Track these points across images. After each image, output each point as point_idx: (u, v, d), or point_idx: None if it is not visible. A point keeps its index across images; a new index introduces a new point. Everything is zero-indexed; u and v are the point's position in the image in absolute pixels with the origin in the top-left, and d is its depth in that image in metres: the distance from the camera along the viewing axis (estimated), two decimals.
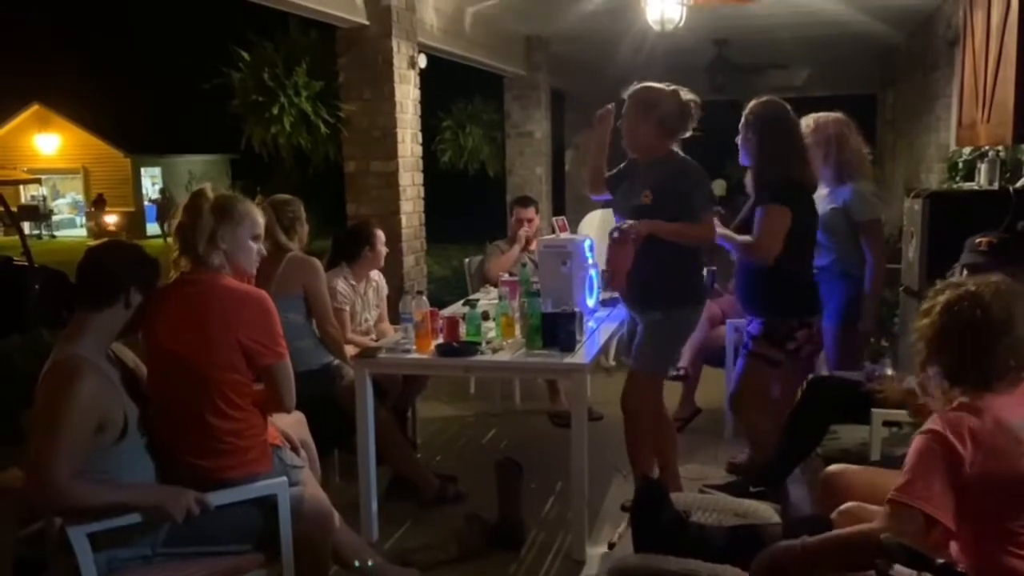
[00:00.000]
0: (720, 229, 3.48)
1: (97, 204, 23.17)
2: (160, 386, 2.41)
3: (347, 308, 4.06)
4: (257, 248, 2.55)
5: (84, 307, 2.27)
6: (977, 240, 3.11)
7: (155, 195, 25.02)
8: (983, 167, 4.28)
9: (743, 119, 3.49)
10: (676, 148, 3.39)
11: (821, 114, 3.92)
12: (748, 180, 3.53)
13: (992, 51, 3.65)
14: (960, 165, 4.97)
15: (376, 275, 4.39)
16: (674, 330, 3.43)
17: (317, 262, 3.73)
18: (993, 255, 3.03)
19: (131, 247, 2.45)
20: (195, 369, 2.35)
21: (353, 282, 4.17)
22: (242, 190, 2.79)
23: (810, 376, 3.82)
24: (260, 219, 2.56)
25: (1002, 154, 4.26)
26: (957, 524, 1.83)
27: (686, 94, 3.36)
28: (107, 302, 2.27)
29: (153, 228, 23.57)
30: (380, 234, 4.23)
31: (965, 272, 3.06)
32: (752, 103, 3.50)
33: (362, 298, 4.23)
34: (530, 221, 5.28)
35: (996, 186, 4.12)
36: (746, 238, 3.43)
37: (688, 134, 3.38)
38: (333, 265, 4.15)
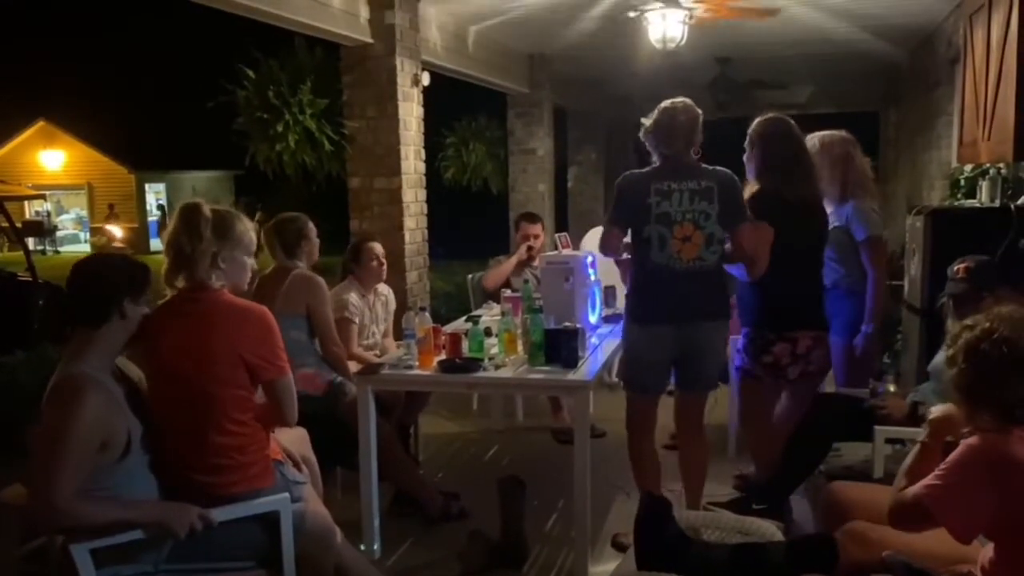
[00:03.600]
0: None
1: (110, 216, 23.44)
2: (163, 403, 2.41)
3: (356, 321, 4.06)
4: (250, 263, 2.59)
5: (82, 324, 2.27)
6: (955, 268, 3.13)
7: (157, 212, 25.18)
8: (984, 184, 4.29)
9: (748, 137, 3.49)
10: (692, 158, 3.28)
11: (827, 133, 3.92)
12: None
13: (992, 69, 3.67)
14: (962, 182, 4.99)
15: (385, 289, 4.40)
16: (627, 342, 3.40)
17: (321, 280, 3.73)
18: (971, 281, 3.05)
19: (116, 258, 2.44)
20: (198, 385, 2.35)
21: (363, 293, 4.19)
22: (245, 207, 2.82)
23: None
24: (253, 234, 2.61)
25: (1003, 171, 4.28)
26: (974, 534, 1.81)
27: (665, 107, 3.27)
28: (102, 317, 2.26)
29: (157, 244, 23.64)
30: (371, 249, 4.21)
31: (951, 302, 3.10)
32: (757, 120, 3.50)
33: (371, 310, 4.25)
34: (536, 237, 5.24)
35: (998, 203, 4.14)
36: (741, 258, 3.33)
37: (653, 141, 3.25)
38: (343, 279, 4.21)
